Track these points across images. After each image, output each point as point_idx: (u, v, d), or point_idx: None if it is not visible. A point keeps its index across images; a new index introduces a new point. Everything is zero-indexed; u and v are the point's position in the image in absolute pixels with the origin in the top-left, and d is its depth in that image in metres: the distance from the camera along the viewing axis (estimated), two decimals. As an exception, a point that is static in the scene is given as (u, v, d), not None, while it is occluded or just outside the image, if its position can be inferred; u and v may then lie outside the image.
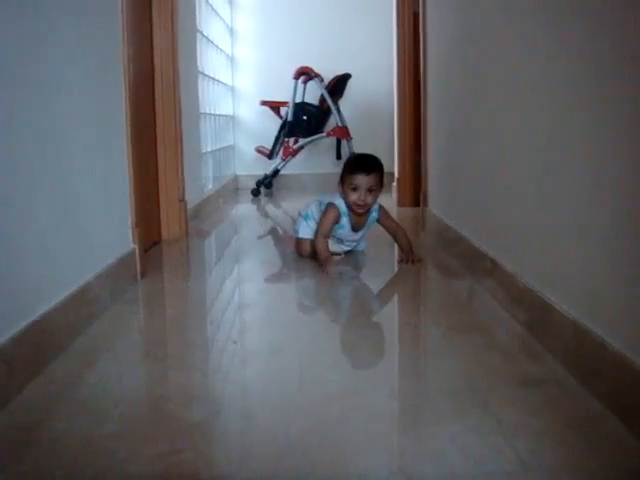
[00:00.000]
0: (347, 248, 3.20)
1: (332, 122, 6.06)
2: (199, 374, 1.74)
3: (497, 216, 2.40)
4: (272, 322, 2.20)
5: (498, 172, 2.37)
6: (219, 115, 5.80)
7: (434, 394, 1.57)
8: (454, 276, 2.75)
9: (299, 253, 3.20)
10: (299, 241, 3.20)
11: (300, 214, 3.28)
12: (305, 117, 6.03)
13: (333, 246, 3.10)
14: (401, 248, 3.06)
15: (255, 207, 5.42)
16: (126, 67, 2.65)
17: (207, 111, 5.16)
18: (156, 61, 3.64)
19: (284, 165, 6.14)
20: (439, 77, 3.58)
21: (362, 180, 2.91)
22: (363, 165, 2.97)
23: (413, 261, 2.95)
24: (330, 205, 3.02)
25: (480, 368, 1.70)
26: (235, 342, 2.00)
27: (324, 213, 3.03)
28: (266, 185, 6.16)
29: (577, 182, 1.66)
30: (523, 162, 2.08)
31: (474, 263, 2.64)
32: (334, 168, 6.34)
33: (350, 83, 6.04)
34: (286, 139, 6.09)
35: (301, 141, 6.09)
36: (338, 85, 5.99)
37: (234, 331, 2.13)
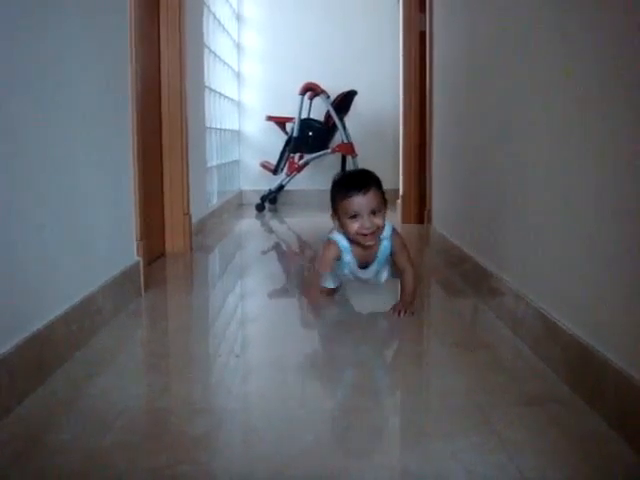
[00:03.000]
0: (370, 280, 2.57)
1: (337, 138, 6.07)
2: (201, 387, 1.74)
3: (502, 234, 2.39)
4: (275, 337, 2.20)
5: (504, 190, 2.37)
6: (225, 130, 5.82)
7: (437, 411, 1.57)
8: (458, 294, 2.74)
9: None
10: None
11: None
12: (310, 133, 6.04)
13: (348, 279, 2.58)
14: (401, 293, 2.45)
15: (259, 222, 5.42)
16: (133, 81, 2.66)
17: (213, 125, 5.17)
18: (163, 75, 3.65)
19: (289, 181, 6.14)
20: (444, 95, 3.59)
21: (361, 202, 2.28)
22: (357, 183, 2.32)
23: (405, 312, 2.36)
24: (327, 241, 2.44)
25: (483, 386, 1.69)
26: (237, 356, 1.99)
27: (322, 250, 2.49)
28: (271, 200, 6.16)
29: (584, 201, 1.65)
30: (529, 180, 2.08)
31: (478, 281, 2.63)
32: (339, 184, 6.34)
33: (356, 100, 6.05)
34: (291, 155, 6.10)
35: (306, 157, 6.10)
36: (344, 102, 6.00)
37: (237, 345, 2.13)
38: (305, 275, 2.65)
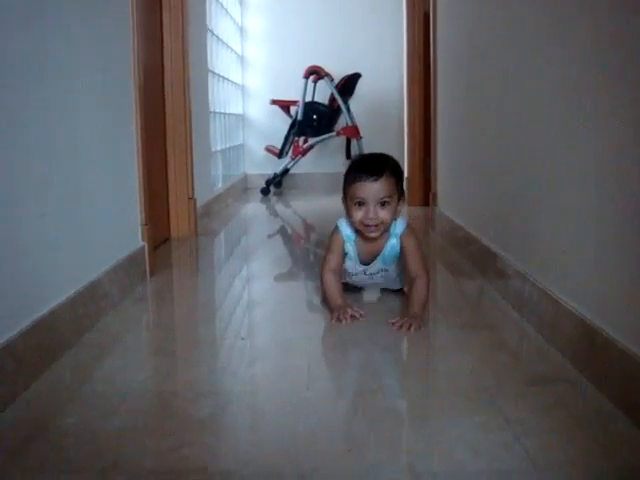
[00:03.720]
0: (374, 282, 2.35)
1: (342, 121, 6.05)
2: (207, 370, 1.74)
3: (507, 216, 2.39)
4: (281, 320, 2.20)
5: (509, 172, 2.36)
6: (229, 114, 5.81)
7: (443, 392, 1.57)
8: (464, 275, 2.74)
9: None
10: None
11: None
12: (315, 116, 6.03)
13: (351, 277, 2.32)
14: (409, 305, 2.10)
15: (265, 206, 5.42)
16: (136, 65, 2.64)
17: (217, 110, 5.16)
18: (166, 59, 3.64)
19: (294, 164, 6.13)
20: (449, 76, 3.57)
21: (368, 189, 2.06)
22: (369, 167, 2.10)
23: (409, 327, 1.98)
24: (334, 230, 2.23)
25: (489, 367, 1.69)
26: (243, 339, 2.00)
27: (328, 241, 2.25)
28: (276, 184, 6.16)
29: (588, 181, 1.65)
30: (534, 161, 2.07)
31: (484, 263, 2.63)
32: (344, 168, 6.33)
33: (360, 82, 6.03)
34: (296, 138, 6.08)
35: (311, 140, 6.09)
36: (348, 84, 5.98)
37: (243, 328, 2.13)
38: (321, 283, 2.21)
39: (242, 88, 6.62)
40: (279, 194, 6.11)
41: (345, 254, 2.22)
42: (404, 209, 2.23)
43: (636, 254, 1.40)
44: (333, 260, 2.20)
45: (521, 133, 2.20)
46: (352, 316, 2.07)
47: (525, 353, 1.83)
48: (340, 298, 2.14)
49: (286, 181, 6.32)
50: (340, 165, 6.35)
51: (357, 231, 2.17)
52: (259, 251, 3.58)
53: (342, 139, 6.19)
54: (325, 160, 6.56)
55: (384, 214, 2.09)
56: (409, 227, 2.20)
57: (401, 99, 5.44)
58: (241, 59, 6.59)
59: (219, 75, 5.28)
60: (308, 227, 4.54)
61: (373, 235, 2.13)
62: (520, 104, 2.22)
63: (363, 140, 5.93)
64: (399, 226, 2.19)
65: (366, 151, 5.85)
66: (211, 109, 4.83)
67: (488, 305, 2.32)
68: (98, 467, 1.23)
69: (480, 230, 2.80)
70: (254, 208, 5.32)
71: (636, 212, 1.39)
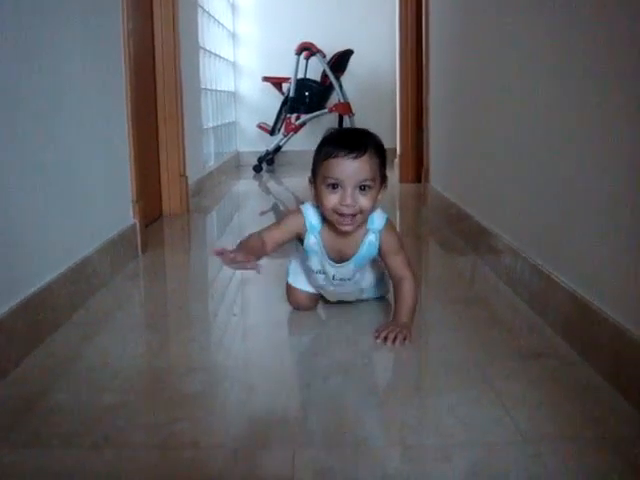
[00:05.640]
0: (343, 292, 1.95)
1: (334, 98, 6.03)
2: (199, 346, 1.74)
3: (499, 192, 2.39)
4: (273, 297, 2.19)
5: (501, 148, 2.36)
6: (220, 91, 5.78)
7: (434, 366, 1.57)
8: (456, 252, 2.74)
9: (290, 303, 2.01)
10: (289, 287, 2.01)
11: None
12: (307, 93, 6.00)
13: (316, 282, 1.92)
14: (395, 309, 1.80)
15: (257, 183, 5.41)
16: (126, 41, 2.63)
17: (208, 87, 5.13)
18: (156, 35, 3.62)
19: (286, 141, 6.12)
20: (441, 53, 3.56)
21: (347, 168, 1.65)
22: (348, 142, 1.67)
23: (395, 339, 1.68)
24: (296, 209, 1.86)
25: (480, 341, 1.70)
26: (235, 315, 2.00)
27: (284, 215, 1.88)
28: (268, 161, 6.15)
29: (580, 157, 1.65)
30: (527, 138, 2.07)
31: (476, 239, 2.63)
32: (336, 145, 6.32)
33: (352, 59, 6.00)
34: (288, 115, 6.06)
35: (303, 117, 6.06)
36: (340, 61, 5.95)
37: (234, 305, 2.13)
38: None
39: (234, 65, 6.58)
40: (271, 171, 6.10)
41: (306, 251, 1.83)
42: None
43: (626, 228, 1.40)
44: (272, 234, 1.79)
45: (515, 109, 2.20)
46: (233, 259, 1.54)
47: (516, 328, 1.84)
48: (245, 250, 1.61)
49: (278, 158, 6.30)
50: (332, 142, 6.34)
51: (324, 219, 1.78)
52: (251, 228, 3.55)
53: (334, 116, 6.16)
54: (317, 137, 6.36)
55: (364, 201, 1.67)
56: (389, 222, 1.80)
57: (393, 75, 5.42)
58: (232, 36, 6.55)
59: (210, 52, 5.25)
60: (300, 204, 4.52)
61: (347, 229, 1.71)
62: (515, 78, 2.21)
63: (355, 117, 5.92)
64: (378, 220, 1.78)
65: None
66: (202, 86, 4.80)
67: (480, 281, 2.32)
68: (89, 442, 1.23)
69: (472, 206, 2.80)
70: (246, 185, 5.30)
71: (627, 184, 1.39)
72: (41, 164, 1.82)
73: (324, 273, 1.85)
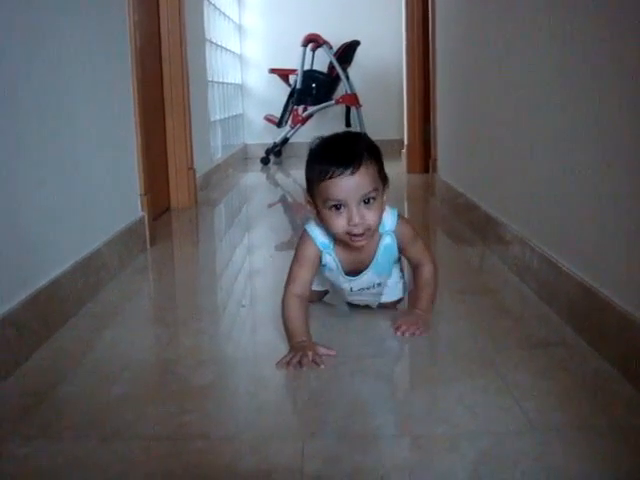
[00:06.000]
0: (363, 300, 1.85)
1: (341, 90, 6.02)
2: (208, 338, 1.75)
3: (507, 182, 2.38)
4: (282, 288, 2.20)
5: (508, 138, 2.35)
6: (227, 83, 5.77)
7: (443, 356, 1.57)
8: (464, 242, 2.74)
9: None
10: None
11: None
12: (314, 85, 6.00)
13: (334, 295, 1.89)
14: (413, 298, 1.77)
15: (265, 176, 5.41)
16: (132, 34, 2.63)
17: (215, 79, 5.13)
18: (163, 29, 3.62)
19: (293, 133, 6.11)
20: (448, 43, 3.55)
21: (346, 186, 1.52)
22: (340, 157, 1.54)
23: (415, 331, 1.66)
24: (303, 233, 1.72)
25: (489, 331, 1.69)
26: (244, 306, 2.00)
27: (296, 249, 1.72)
28: (275, 153, 6.14)
29: (590, 147, 1.64)
30: (535, 128, 2.06)
31: (484, 229, 2.63)
32: (343, 136, 6.30)
33: (359, 50, 5.99)
34: (295, 107, 6.06)
35: (310, 109, 6.06)
36: (347, 52, 5.94)
37: (244, 297, 2.14)
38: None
39: (240, 57, 6.57)
40: (279, 163, 6.10)
41: (323, 265, 1.72)
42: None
43: (635, 217, 1.39)
44: (301, 278, 1.67)
45: (522, 97, 2.19)
46: (313, 361, 1.50)
47: (525, 317, 1.83)
48: (304, 333, 1.59)
49: (286, 150, 6.29)
50: (340, 134, 6.33)
51: (332, 238, 1.67)
52: (259, 220, 3.58)
53: (341, 107, 6.16)
54: (324, 129, 6.42)
55: (371, 216, 1.56)
56: (400, 217, 1.70)
57: (400, 66, 5.40)
58: (239, 28, 6.54)
59: (217, 44, 5.24)
60: (304, 225, 4.52)
61: (361, 244, 1.61)
62: (522, 66, 2.20)
63: (362, 108, 5.90)
64: (388, 219, 1.67)
65: (366, 119, 5.84)
66: (209, 78, 4.80)
67: (488, 271, 2.32)
68: (99, 434, 1.23)
69: (480, 196, 2.79)
70: (254, 177, 5.31)
71: (634, 173, 1.39)
72: (48, 158, 1.83)
73: (341, 288, 1.78)
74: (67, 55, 1.99)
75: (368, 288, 1.76)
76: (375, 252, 1.68)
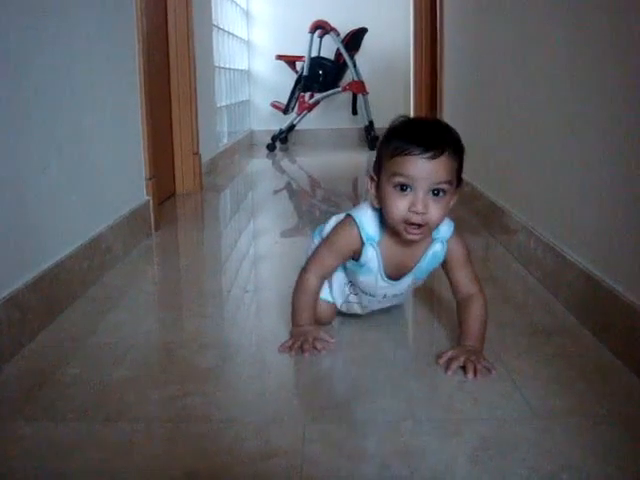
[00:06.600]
0: (376, 307, 1.68)
1: (348, 77, 6.01)
2: (211, 322, 1.75)
3: (512, 170, 2.38)
4: (287, 274, 2.19)
5: (514, 127, 2.35)
6: (234, 69, 5.77)
7: (445, 343, 1.57)
8: (469, 231, 2.73)
9: None
10: None
11: (313, 240, 1.70)
12: (321, 72, 5.98)
13: (349, 303, 1.67)
14: (464, 335, 1.49)
15: (270, 162, 5.41)
16: (139, 19, 2.62)
17: (222, 65, 5.12)
18: (170, 14, 3.61)
19: (300, 120, 6.10)
20: (456, 31, 3.53)
21: (421, 168, 1.35)
22: (425, 138, 1.38)
23: (475, 372, 1.37)
24: (347, 219, 1.53)
25: (492, 318, 1.68)
26: (247, 291, 2.00)
27: (330, 232, 1.55)
28: (282, 140, 6.14)
29: (593, 137, 1.64)
30: (540, 117, 2.06)
31: (490, 218, 2.63)
32: (350, 123, 6.32)
33: (366, 37, 5.97)
34: (302, 94, 6.05)
35: (317, 96, 6.05)
36: (354, 39, 5.92)
37: (248, 282, 2.14)
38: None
39: (247, 43, 6.56)
40: (285, 150, 6.09)
41: (360, 266, 1.52)
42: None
43: (639, 207, 1.39)
44: (327, 264, 1.54)
45: (529, 86, 2.18)
46: (314, 347, 1.49)
47: (528, 306, 1.84)
48: (310, 317, 1.54)
49: (292, 137, 6.29)
50: (346, 121, 6.34)
51: (385, 228, 1.48)
52: (265, 206, 3.58)
53: (348, 94, 6.14)
54: (331, 116, 6.52)
55: (435, 211, 1.39)
56: (457, 231, 1.55)
57: (408, 53, 5.40)
58: (246, 14, 6.52)
59: (224, 30, 5.23)
60: (314, 183, 4.53)
61: (414, 238, 1.42)
62: (530, 56, 2.19)
63: (369, 95, 5.89)
64: (445, 227, 1.51)
65: (372, 107, 5.82)
66: (216, 64, 4.80)
67: (493, 259, 2.32)
68: (102, 415, 1.24)
69: (486, 185, 2.79)
70: (260, 164, 5.30)
71: (638, 164, 1.39)
72: (55, 142, 1.83)
73: (372, 295, 1.59)
74: (74, 41, 1.98)
75: (402, 294, 1.62)
76: (423, 255, 1.51)
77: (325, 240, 1.54)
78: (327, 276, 1.58)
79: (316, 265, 1.54)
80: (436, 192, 1.38)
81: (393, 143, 1.38)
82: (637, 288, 1.40)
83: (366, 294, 1.59)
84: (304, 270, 1.56)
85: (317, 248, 1.56)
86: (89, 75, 2.11)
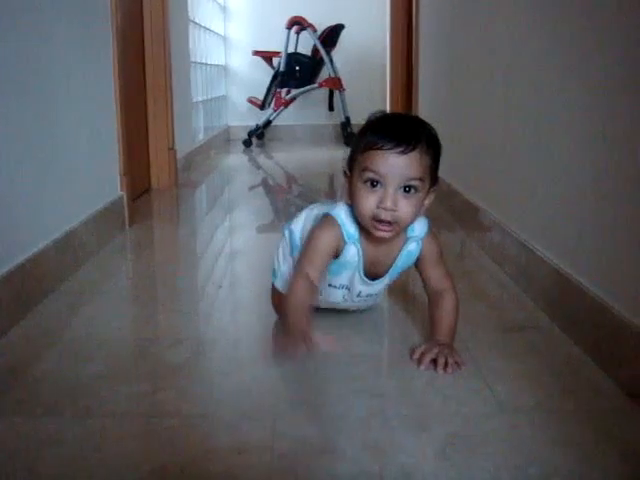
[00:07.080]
0: (355, 306, 1.68)
1: (325, 73, 6.01)
2: (185, 318, 1.75)
3: (486, 168, 2.39)
4: (262, 270, 2.19)
5: (489, 126, 2.36)
6: (211, 65, 5.75)
7: (416, 338, 1.58)
8: (445, 228, 2.75)
9: (275, 308, 1.71)
10: (275, 290, 1.70)
11: (283, 234, 1.67)
12: (297, 68, 5.98)
13: (330, 297, 1.62)
14: (435, 329, 1.49)
15: (247, 158, 5.40)
16: (114, 14, 2.61)
17: (198, 60, 5.11)
18: (145, 9, 3.59)
19: (276, 116, 6.10)
20: (432, 27, 3.55)
21: (391, 163, 1.34)
22: (397, 132, 1.37)
23: (445, 365, 1.38)
24: (325, 218, 1.50)
25: (464, 314, 1.69)
26: (221, 287, 2.01)
27: (312, 232, 1.51)
28: (258, 136, 6.13)
29: (565, 133, 1.65)
30: (515, 113, 2.07)
31: (465, 216, 2.64)
32: (326, 120, 6.32)
33: (343, 34, 5.97)
34: (278, 90, 6.05)
35: (293, 92, 6.05)
36: (331, 36, 5.92)
37: (223, 278, 2.14)
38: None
39: (224, 39, 6.54)
40: (261, 146, 6.09)
41: (339, 265, 1.51)
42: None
43: (610, 206, 1.41)
44: (318, 264, 1.47)
45: (505, 81, 2.20)
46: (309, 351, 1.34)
47: (500, 302, 1.85)
48: (306, 320, 1.40)
49: (268, 133, 6.29)
50: (322, 117, 6.34)
51: (359, 226, 1.47)
52: (241, 202, 3.58)
53: (325, 91, 6.15)
54: (307, 112, 6.52)
55: (405, 209, 1.37)
56: (430, 230, 1.54)
57: (384, 50, 5.41)
58: (223, 9, 6.50)
59: (200, 25, 5.22)
60: (290, 179, 4.54)
61: (382, 235, 1.40)
62: (508, 50, 2.21)
63: (346, 92, 5.90)
64: (419, 226, 1.51)
65: (349, 103, 5.83)
66: (192, 59, 4.78)
67: (467, 256, 2.34)
68: (73, 411, 1.24)
69: (461, 183, 2.81)
70: (236, 159, 5.30)
71: (610, 163, 1.40)
72: (26, 136, 1.82)
73: (348, 289, 1.57)
74: (48, 35, 1.97)
75: (377, 294, 1.63)
76: (398, 255, 1.51)
77: (308, 244, 1.49)
78: (321, 273, 1.48)
79: (310, 265, 1.46)
80: (407, 189, 1.36)
81: (366, 137, 1.38)
82: (604, 284, 1.42)
83: (337, 288, 1.56)
84: (297, 272, 1.48)
85: (303, 254, 1.49)
86: (63, 69, 2.10)
